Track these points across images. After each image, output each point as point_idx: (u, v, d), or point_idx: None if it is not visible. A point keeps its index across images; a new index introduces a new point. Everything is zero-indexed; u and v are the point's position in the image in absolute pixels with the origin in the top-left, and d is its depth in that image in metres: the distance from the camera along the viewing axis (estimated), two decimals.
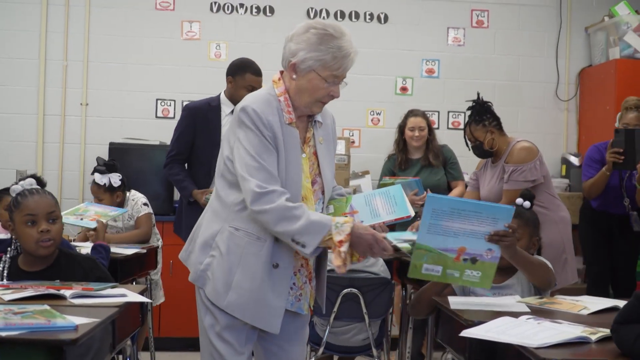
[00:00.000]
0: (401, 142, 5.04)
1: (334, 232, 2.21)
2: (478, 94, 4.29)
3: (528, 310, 2.32)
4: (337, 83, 2.36)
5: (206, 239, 2.40)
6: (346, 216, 2.35)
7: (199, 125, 4.28)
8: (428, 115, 5.43)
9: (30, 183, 2.79)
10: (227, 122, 4.25)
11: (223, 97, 4.34)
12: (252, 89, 4.01)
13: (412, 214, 2.38)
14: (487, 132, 4.13)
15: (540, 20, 6.19)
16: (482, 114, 4.16)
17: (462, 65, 6.11)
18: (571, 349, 1.78)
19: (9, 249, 2.77)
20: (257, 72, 4.27)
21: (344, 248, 2.21)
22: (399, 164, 4.99)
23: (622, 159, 4.32)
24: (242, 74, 4.25)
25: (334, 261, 2.25)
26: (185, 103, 5.81)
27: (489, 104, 4.22)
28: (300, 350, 2.54)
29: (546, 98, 6.19)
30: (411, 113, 5.03)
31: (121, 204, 4.43)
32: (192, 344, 5.15)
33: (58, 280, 2.60)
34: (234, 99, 4.19)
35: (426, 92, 6.08)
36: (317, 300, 2.57)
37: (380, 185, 4.84)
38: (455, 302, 2.46)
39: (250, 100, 2.35)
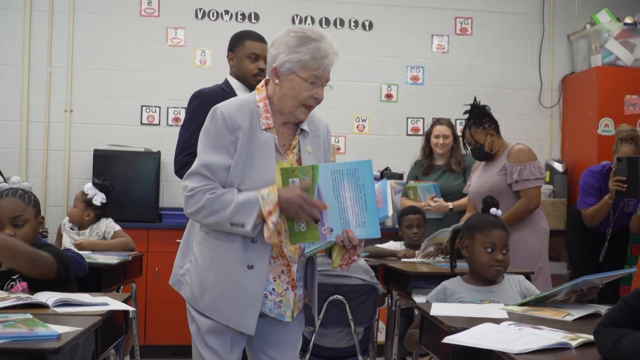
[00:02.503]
0: (427, 149, 5.18)
1: (262, 203, 2.25)
2: (475, 98, 4.33)
3: (507, 316, 2.33)
4: (320, 85, 2.36)
5: (187, 244, 2.47)
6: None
7: None
8: (420, 121, 5.52)
9: (15, 181, 2.80)
10: None
11: (232, 81, 3.77)
12: (256, 57, 3.68)
13: (378, 233, 2.31)
14: (487, 134, 4.21)
15: (523, 28, 6.25)
16: (481, 117, 4.23)
17: (447, 72, 6.15)
18: (551, 354, 1.79)
19: None
20: (257, 38, 3.77)
21: (274, 218, 2.25)
22: (423, 169, 5.09)
23: (626, 187, 4.36)
24: (242, 43, 3.74)
25: (264, 232, 2.28)
26: (170, 110, 5.83)
27: (487, 107, 4.27)
28: (290, 358, 2.52)
29: (530, 105, 6.24)
30: (437, 122, 5.18)
31: (86, 226, 4.40)
32: (178, 352, 5.14)
33: (17, 275, 2.63)
34: (242, 77, 3.73)
35: (411, 99, 6.11)
36: (312, 311, 2.58)
37: (406, 189, 4.96)
38: (438, 308, 2.47)
39: (223, 103, 2.41)
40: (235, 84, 3.75)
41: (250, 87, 3.63)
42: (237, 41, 3.77)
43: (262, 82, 2.46)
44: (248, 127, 2.35)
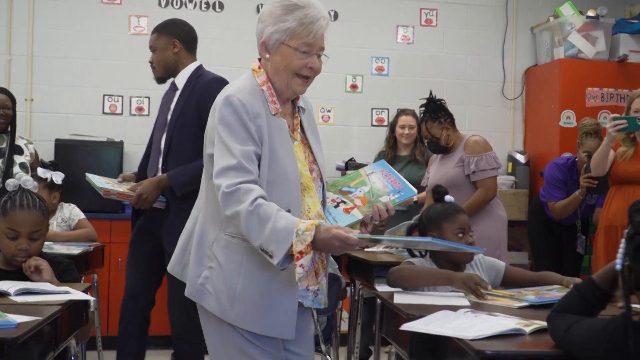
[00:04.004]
0: (391, 140, 5.23)
1: (295, 240, 1.99)
2: (430, 92, 4.36)
3: (468, 304, 2.36)
4: (313, 53, 2.22)
5: (202, 249, 2.23)
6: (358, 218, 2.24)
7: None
8: (385, 112, 5.52)
9: (25, 182, 2.72)
10: (173, 99, 3.62)
11: None
12: (152, 48, 3.67)
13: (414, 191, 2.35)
14: (443, 128, 4.26)
15: (487, 20, 6.30)
16: (437, 111, 4.27)
17: (412, 63, 6.18)
18: (505, 340, 1.82)
19: None
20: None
21: (304, 261, 1.99)
22: (387, 160, 5.11)
23: (596, 183, 4.44)
24: None
25: (295, 276, 2.02)
26: (133, 99, 5.79)
27: (442, 101, 4.32)
28: (312, 350, 2.43)
29: (493, 96, 6.30)
30: (402, 112, 5.23)
31: (54, 209, 4.33)
32: None
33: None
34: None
35: (376, 90, 6.13)
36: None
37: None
38: (400, 297, 2.49)
39: (234, 89, 2.19)
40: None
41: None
42: None
43: (257, 63, 2.28)
44: (264, 114, 2.18)
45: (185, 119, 3.51)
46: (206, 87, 3.53)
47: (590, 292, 1.81)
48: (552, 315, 1.84)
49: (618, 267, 1.64)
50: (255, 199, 2.04)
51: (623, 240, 1.64)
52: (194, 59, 3.70)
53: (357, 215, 2.28)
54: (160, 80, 3.72)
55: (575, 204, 4.70)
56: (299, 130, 2.33)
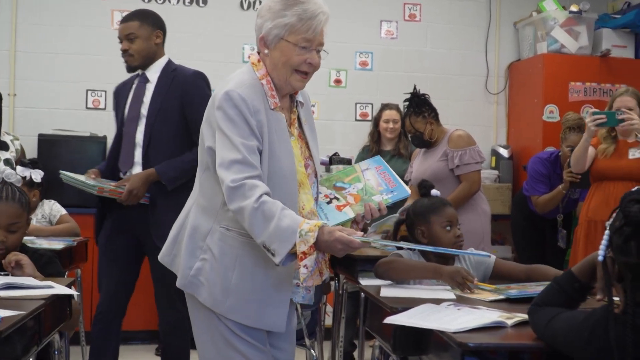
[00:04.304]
0: (375, 134, 5.25)
1: (298, 240, 2.00)
2: (415, 87, 4.37)
3: (454, 297, 2.37)
4: (313, 49, 2.20)
5: (195, 241, 2.22)
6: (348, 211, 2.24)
7: (121, 107, 3.66)
8: (369, 107, 5.51)
9: (9, 176, 2.71)
10: (144, 92, 3.60)
11: None
12: (120, 40, 3.63)
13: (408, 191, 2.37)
14: (426, 123, 4.27)
15: (470, 15, 6.31)
16: (420, 105, 4.29)
17: (395, 58, 6.19)
18: (487, 333, 1.83)
19: None
20: (121, 20, 3.71)
21: (307, 262, 2.00)
22: (372, 155, 5.11)
23: (579, 178, 4.48)
24: None
25: (300, 276, 2.05)
26: None
27: (426, 95, 4.33)
28: (293, 344, 2.44)
29: (476, 91, 6.32)
30: (386, 106, 5.24)
31: (34, 207, 4.30)
32: (123, 337, 5.09)
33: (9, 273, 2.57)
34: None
35: (360, 85, 6.13)
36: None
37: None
38: (387, 291, 2.49)
39: (234, 84, 2.17)
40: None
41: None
42: None
43: (257, 56, 2.26)
44: (263, 109, 2.18)
45: (167, 114, 3.49)
46: (188, 82, 3.52)
47: (570, 285, 1.83)
48: (533, 309, 1.85)
49: (600, 258, 1.65)
50: (261, 196, 2.04)
51: (607, 231, 1.65)
52: (164, 53, 3.69)
53: (349, 213, 2.29)
54: (134, 69, 3.65)
55: (559, 198, 4.74)
56: (296, 125, 2.32)
